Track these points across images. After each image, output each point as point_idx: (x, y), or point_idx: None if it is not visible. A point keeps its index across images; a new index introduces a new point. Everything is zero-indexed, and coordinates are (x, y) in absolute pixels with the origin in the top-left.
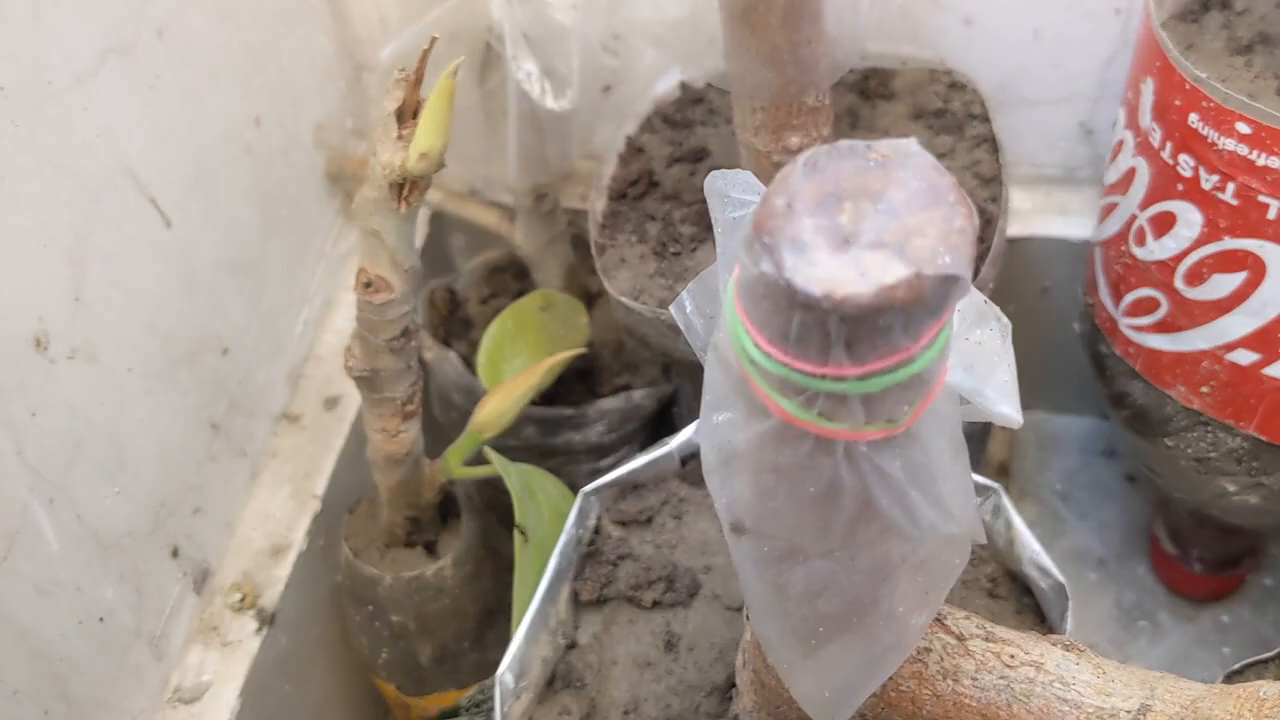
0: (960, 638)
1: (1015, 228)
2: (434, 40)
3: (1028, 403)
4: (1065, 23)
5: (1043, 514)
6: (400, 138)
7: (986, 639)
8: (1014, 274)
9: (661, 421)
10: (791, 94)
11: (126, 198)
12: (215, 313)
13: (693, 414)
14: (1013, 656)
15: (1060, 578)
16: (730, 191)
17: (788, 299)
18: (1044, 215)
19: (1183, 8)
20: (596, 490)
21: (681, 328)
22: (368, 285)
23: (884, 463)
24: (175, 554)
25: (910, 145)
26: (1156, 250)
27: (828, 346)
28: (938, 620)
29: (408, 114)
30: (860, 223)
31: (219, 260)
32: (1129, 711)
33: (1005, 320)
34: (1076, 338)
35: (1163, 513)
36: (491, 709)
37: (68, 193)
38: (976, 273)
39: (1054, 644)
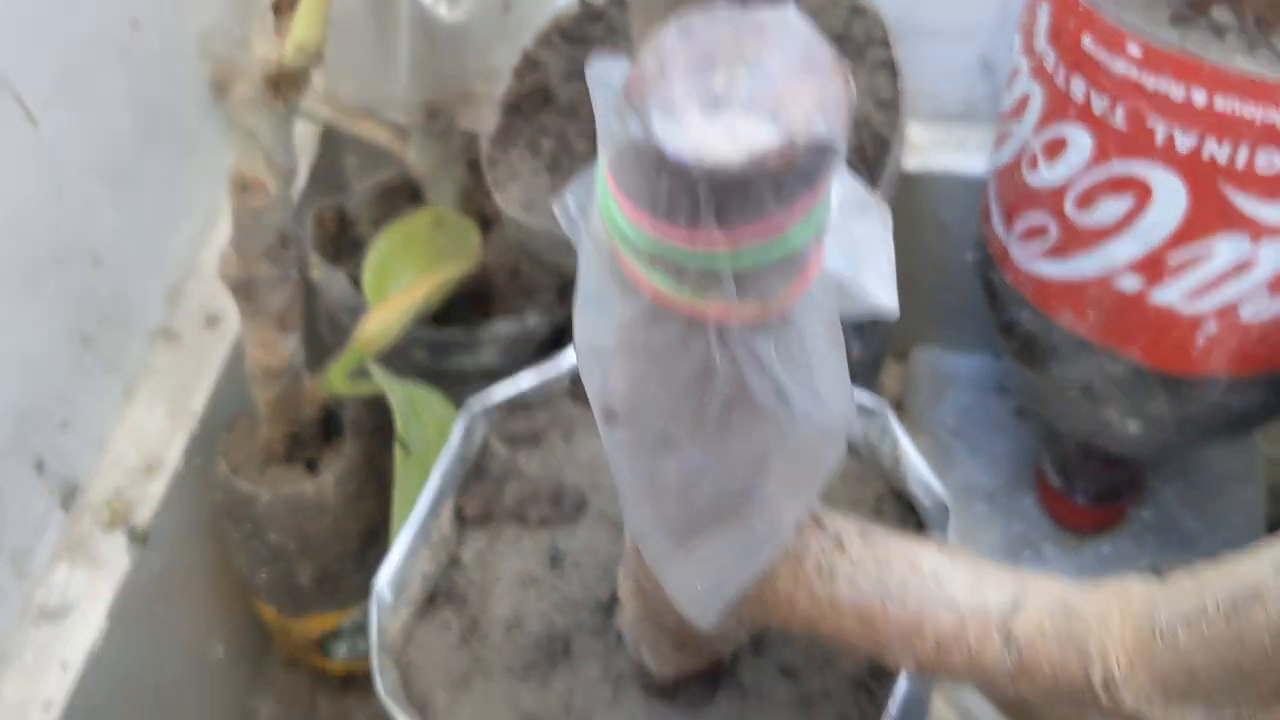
0: (837, 538)
1: (913, 162)
2: None
3: (923, 338)
4: None
5: (935, 448)
6: (277, 32)
7: (862, 538)
8: (911, 209)
9: (556, 347)
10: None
11: None
12: (86, 220)
13: None
14: (888, 557)
15: (943, 495)
16: (613, 79)
17: (656, 163)
18: (942, 150)
19: None
20: (484, 409)
21: (563, 226)
22: (243, 188)
23: (758, 346)
24: (40, 468)
25: (789, 13)
26: (1048, 176)
27: (697, 214)
28: (814, 520)
29: (285, 6)
30: (733, 87)
31: (90, 165)
32: (1001, 606)
33: (885, 208)
34: (972, 274)
35: (1050, 446)
36: None
37: None
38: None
39: (930, 544)
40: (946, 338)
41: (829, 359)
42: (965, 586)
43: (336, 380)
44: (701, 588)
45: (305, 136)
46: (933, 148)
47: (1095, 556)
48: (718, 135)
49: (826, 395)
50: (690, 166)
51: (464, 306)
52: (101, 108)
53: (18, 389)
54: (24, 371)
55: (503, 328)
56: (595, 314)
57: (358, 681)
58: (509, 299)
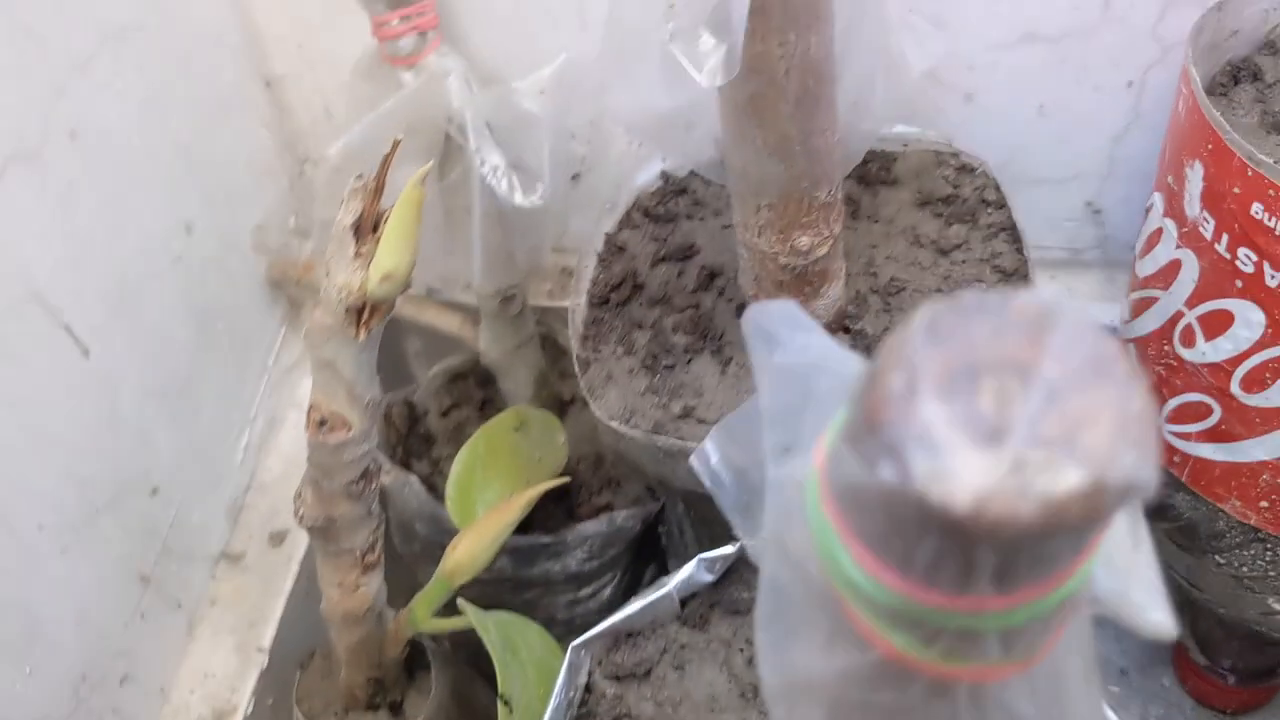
0: None
1: None
2: (396, 144)
3: None
4: (1072, 97)
5: None
6: (358, 255)
7: None
8: None
9: (646, 542)
10: (802, 189)
11: (34, 328)
12: (142, 448)
13: (683, 534)
14: None
15: None
16: (777, 331)
17: (917, 516)
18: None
19: (1210, 82)
20: (587, 642)
21: (705, 482)
22: (321, 424)
23: (1015, 702)
24: None
25: (1059, 300)
26: (1209, 352)
27: (970, 576)
28: None
29: (366, 228)
30: (1010, 408)
31: (146, 388)
32: None
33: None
34: None
35: (1190, 620)
36: None
37: None
38: None
39: None
40: None
41: (1086, 694)
42: None
43: (422, 617)
44: None
45: None
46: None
47: None
48: (1001, 480)
49: None
50: (969, 524)
51: (545, 501)
52: (156, 322)
53: (75, 651)
54: (81, 630)
55: (590, 529)
56: (793, 647)
57: None
58: (593, 491)
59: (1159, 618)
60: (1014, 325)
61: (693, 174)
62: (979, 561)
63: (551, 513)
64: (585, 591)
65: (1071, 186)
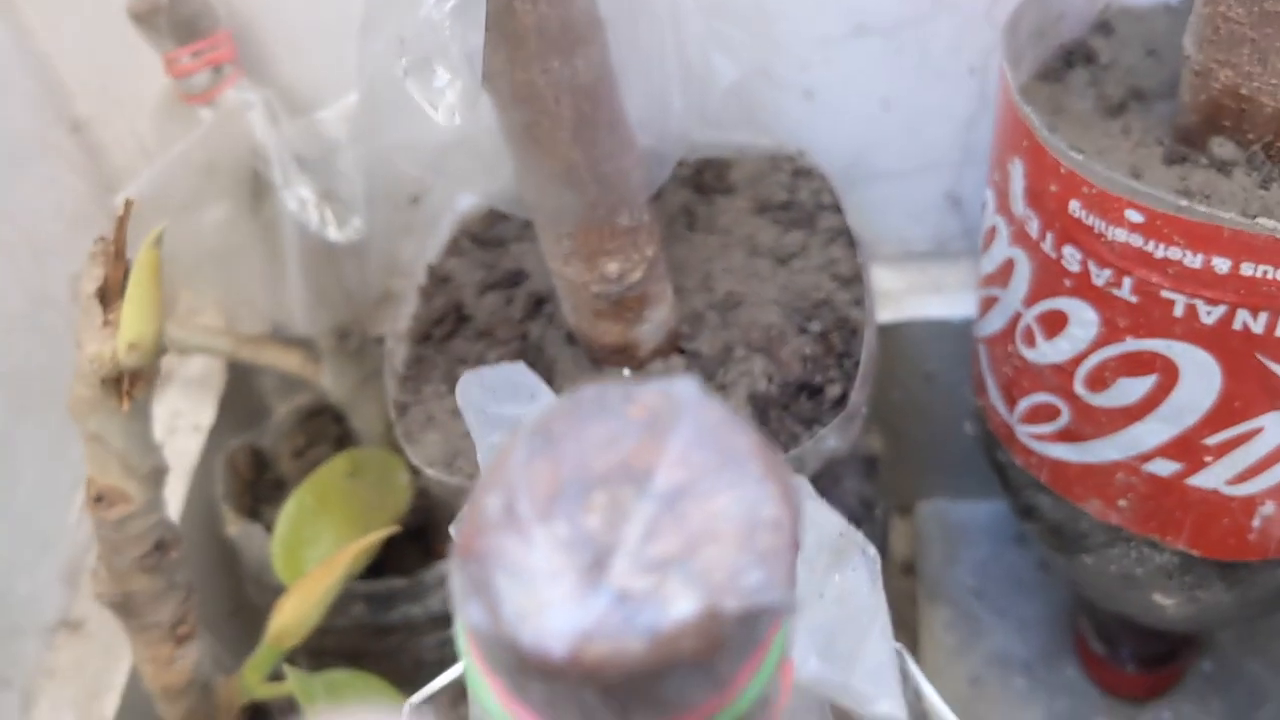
0: None
1: (889, 312)
2: (128, 204)
3: (927, 493)
4: (916, 88)
5: (957, 615)
6: (106, 324)
7: None
8: (892, 362)
9: None
10: (600, 216)
11: None
12: None
13: None
14: None
15: None
16: (490, 403)
17: (517, 663)
18: (917, 295)
19: (1043, 66)
20: (426, 700)
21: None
22: (98, 500)
23: None
24: None
25: (687, 390)
26: (1049, 352)
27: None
28: None
29: (113, 294)
30: (621, 526)
31: None
32: None
33: (872, 551)
34: (966, 421)
35: (1087, 611)
36: None
37: None
38: (844, 398)
39: None
40: (952, 487)
41: None
42: None
43: (253, 684)
44: None
45: (209, 371)
46: (907, 293)
47: None
48: (603, 615)
49: None
50: (565, 670)
51: (401, 542)
52: None
53: None
54: None
55: (447, 569)
56: None
57: None
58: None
59: (886, 709)
60: (633, 426)
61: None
62: (591, 707)
63: (409, 553)
64: (454, 631)
65: (928, 178)
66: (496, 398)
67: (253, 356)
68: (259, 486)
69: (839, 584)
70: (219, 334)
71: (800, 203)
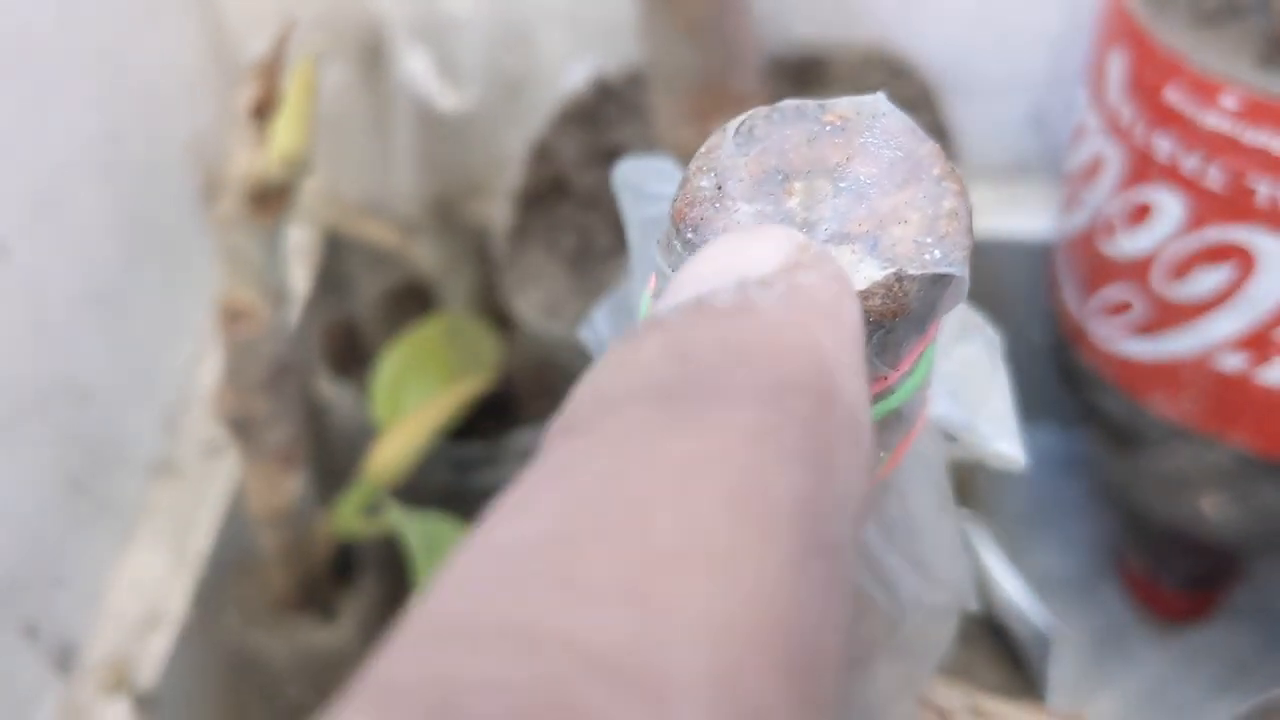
0: (944, 715)
1: None
2: (290, 24)
3: None
4: (1011, 3)
5: (1005, 535)
6: (259, 141)
7: (975, 714)
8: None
9: None
10: (717, 77)
11: None
12: (71, 354)
13: None
14: None
15: (1044, 627)
16: (645, 184)
17: None
18: (996, 212)
19: None
20: None
21: (593, 353)
22: (233, 317)
23: None
24: (32, 634)
25: (878, 102)
26: (1130, 246)
27: None
28: (919, 703)
29: (266, 110)
30: (817, 207)
31: (73, 293)
32: None
33: (993, 333)
34: (1034, 343)
35: (1132, 530)
36: None
37: None
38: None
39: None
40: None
41: (939, 524)
42: None
43: (348, 519)
44: None
45: (308, 241)
46: (985, 210)
47: (1190, 648)
48: None
49: (937, 568)
50: None
51: (486, 415)
52: (81, 227)
53: (5, 550)
54: (10, 531)
55: (529, 438)
56: None
57: None
58: (533, 403)
59: (1005, 447)
60: (827, 129)
61: (625, 80)
62: None
63: (493, 425)
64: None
65: (1013, 96)
66: (649, 179)
67: (353, 229)
68: (351, 355)
69: (963, 353)
70: (322, 203)
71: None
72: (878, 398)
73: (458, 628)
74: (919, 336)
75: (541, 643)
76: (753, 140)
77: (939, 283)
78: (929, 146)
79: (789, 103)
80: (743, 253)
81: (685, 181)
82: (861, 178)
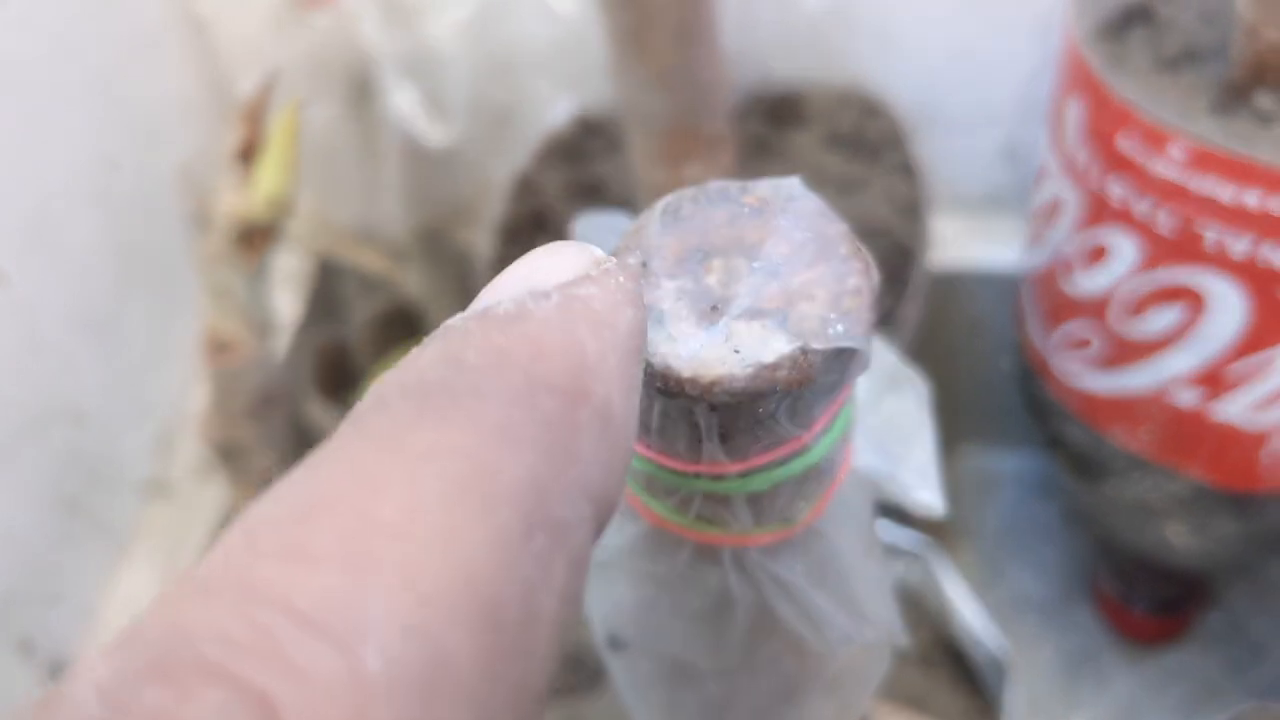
0: None
1: (939, 257)
2: (275, 71)
3: (964, 439)
4: (983, 40)
5: (981, 558)
6: (243, 182)
7: None
8: (940, 307)
9: None
10: (687, 121)
11: None
12: (65, 376)
13: None
14: None
15: (995, 650)
16: (601, 240)
17: (645, 383)
18: (969, 243)
19: (1104, 23)
20: None
21: None
22: (219, 349)
23: (781, 569)
24: (27, 649)
25: (793, 186)
26: (1088, 284)
27: (699, 440)
28: None
29: (251, 155)
30: (734, 284)
31: (68, 317)
32: None
33: (921, 385)
34: (1004, 371)
35: (1105, 554)
36: None
37: None
38: (893, 314)
39: None
40: (987, 434)
41: (866, 568)
42: None
43: None
44: None
45: (301, 267)
46: (958, 241)
47: (1161, 670)
48: (717, 348)
49: (866, 607)
50: (686, 388)
51: None
52: (78, 253)
53: (1, 568)
54: (6, 549)
55: None
56: None
57: None
58: None
59: (925, 497)
60: (746, 211)
61: (606, 116)
62: (703, 425)
63: None
64: None
65: (986, 130)
66: (605, 236)
67: (344, 255)
68: (341, 377)
69: (891, 405)
70: (320, 228)
71: (868, 138)
72: (795, 455)
73: (204, 588)
74: (829, 400)
75: (263, 603)
76: (679, 220)
77: (842, 355)
78: (838, 228)
79: (714, 184)
80: (538, 267)
81: (615, 257)
82: (775, 257)
